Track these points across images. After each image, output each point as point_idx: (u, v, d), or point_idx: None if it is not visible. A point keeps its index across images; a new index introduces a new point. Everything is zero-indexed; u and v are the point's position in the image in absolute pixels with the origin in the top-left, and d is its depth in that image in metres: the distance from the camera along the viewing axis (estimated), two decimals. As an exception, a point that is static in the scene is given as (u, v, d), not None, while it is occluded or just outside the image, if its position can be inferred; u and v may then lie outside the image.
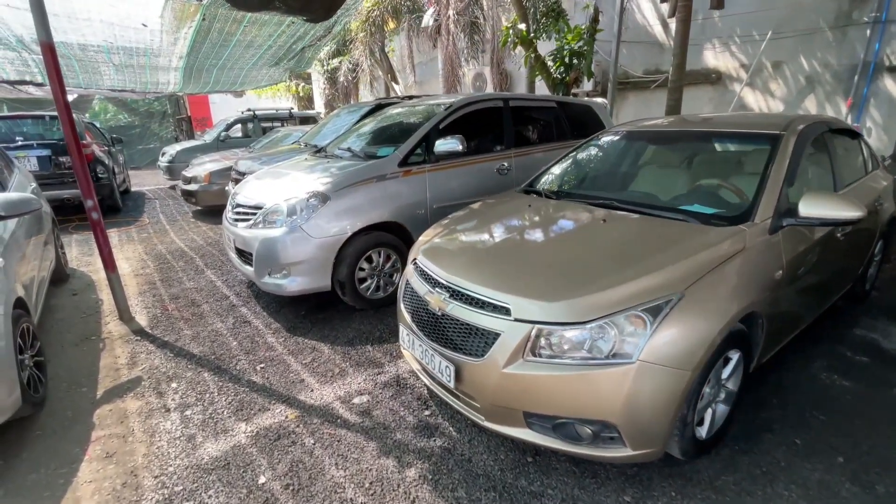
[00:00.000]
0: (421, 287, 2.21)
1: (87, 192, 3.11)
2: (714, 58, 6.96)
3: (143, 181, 12.33)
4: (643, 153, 3.16)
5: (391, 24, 11.20)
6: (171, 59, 9.82)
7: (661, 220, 2.26)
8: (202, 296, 3.99)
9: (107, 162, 7.77)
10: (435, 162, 3.76)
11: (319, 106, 16.37)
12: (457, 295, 1.97)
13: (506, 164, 4.26)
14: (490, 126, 4.32)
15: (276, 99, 16.25)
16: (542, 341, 1.71)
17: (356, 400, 2.47)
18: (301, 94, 14.72)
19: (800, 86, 6.39)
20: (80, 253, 5.47)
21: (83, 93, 16.97)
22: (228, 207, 3.81)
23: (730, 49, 6.76)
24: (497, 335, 1.77)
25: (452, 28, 8.39)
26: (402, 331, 2.33)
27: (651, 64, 7.56)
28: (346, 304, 3.47)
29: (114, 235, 6.34)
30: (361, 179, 3.38)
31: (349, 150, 4.10)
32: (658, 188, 2.74)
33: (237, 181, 5.74)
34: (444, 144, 3.64)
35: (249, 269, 3.35)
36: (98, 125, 16.72)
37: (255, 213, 3.35)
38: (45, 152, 6.80)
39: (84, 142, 7.23)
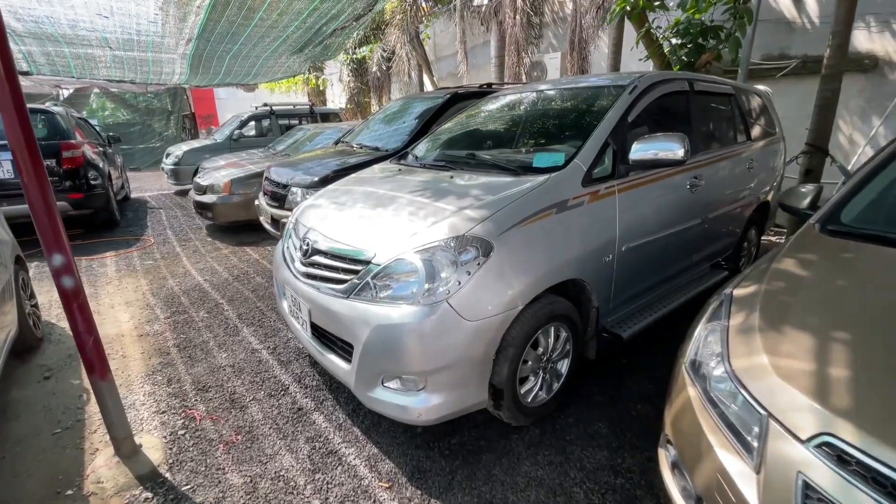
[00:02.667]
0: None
1: (53, 241, 1.65)
2: (868, 40, 5.56)
3: (145, 185, 10.89)
4: None
5: (426, 7, 9.76)
6: (178, 44, 8.38)
7: None
8: (246, 384, 2.56)
9: (101, 165, 6.34)
10: (624, 176, 2.33)
11: (338, 101, 14.87)
12: None
13: (696, 175, 2.84)
14: (676, 120, 2.89)
15: (291, 94, 14.81)
16: None
17: None
18: (321, 88, 13.28)
19: None
20: (63, 293, 4.03)
21: (79, 86, 15.54)
22: (291, 249, 2.37)
23: (892, 29, 5.37)
24: None
25: (521, 4, 6.92)
26: None
27: (774, 47, 6.17)
28: (497, 417, 2.05)
29: (110, 262, 4.90)
30: (537, 211, 1.94)
31: (472, 157, 2.65)
32: None
33: (274, 196, 4.31)
34: (649, 147, 2.22)
35: (342, 368, 1.91)
36: (96, 123, 15.31)
37: (354, 270, 1.90)
38: (23, 155, 5.35)
39: (74, 142, 5.80)
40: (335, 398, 2.40)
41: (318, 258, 2.08)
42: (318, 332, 2.07)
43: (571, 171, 2.13)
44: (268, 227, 4.43)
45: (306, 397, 2.42)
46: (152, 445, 2.08)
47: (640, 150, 2.23)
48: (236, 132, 9.80)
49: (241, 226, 5.92)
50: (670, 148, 2.18)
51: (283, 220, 4.03)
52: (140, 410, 2.36)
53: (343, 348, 1.92)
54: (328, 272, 2.00)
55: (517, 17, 7.09)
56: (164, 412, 2.33)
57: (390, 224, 2.00)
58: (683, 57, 4.96)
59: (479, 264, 1.73)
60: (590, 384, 2.48)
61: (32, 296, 3.16)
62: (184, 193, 9.28)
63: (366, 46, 11.29)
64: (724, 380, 1.31)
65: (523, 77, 8.50)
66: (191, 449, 2.07)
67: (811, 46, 5.99)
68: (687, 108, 2.90)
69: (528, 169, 2.26)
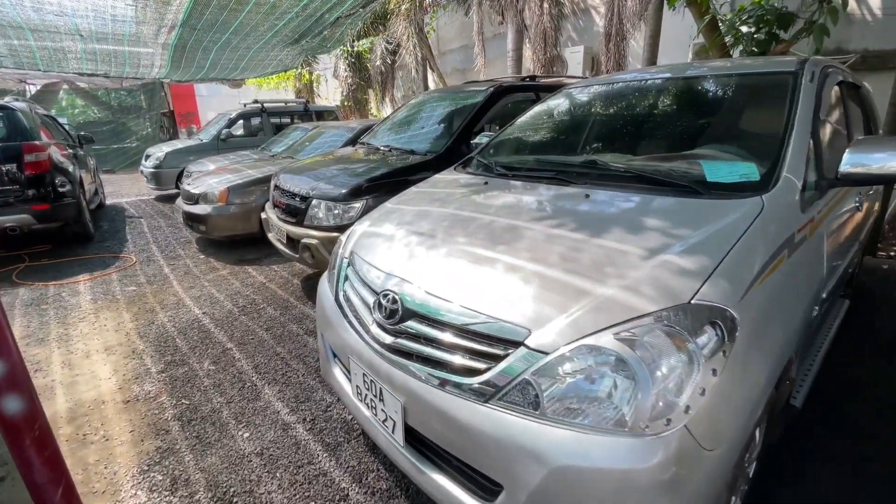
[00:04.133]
0: None
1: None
2: (938, 29, 5.11)
3: (120, 189, 9.89)
4: None
5: (431, -2, 9.02)
6: (160, 33, 7.50)
7: None
8: (286, 488, 1.81)
9: (71, 169, 5.44)
10: (824, 194, 1.68)
11: (332, 99, 14.01)
12: None
13: (861, 189, 2.21)
14: (837, 119, 2.25)
15: (279, 91, 13.85)
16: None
17: None
18: (315, 84, 12.36)
19: None
20: (23, 335, 3.20)
21: (48, 82, 14.29)
22: (356, 303, 1.64)
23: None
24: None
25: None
26: None
27: (830, 41, 5.69)
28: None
29: (84, 289, 4.05)
30: (772, 255, 1.26)
31: (592, 165, 1.94)
32: None
33: (289, 209, 3.54)
34: (874, 157, 1.56)
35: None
36: (66, 121, 14.06)
37: (492, 354, 1.17)
38: (-27, 159, 4.47)
39: (39, 143, 4.91)
40: (420, 513, 1.68)
41: (415, 325, 1.36)
42: (420, 442, 1.35)
43: (786, 189, 1.45)
44: (281, 247, 3.66)
45: (378, 512, 1.69)
46: None
47: (858, 161, 1.57)
48: (224, 131, 8.88)
49: (240, 241, 5.12)
50: (905, 157, 1.53)
51: (304, 239, 3.28)
52: (134, 543, 1.60)
53: (474, 479, 1.21)
54: (441, 352, 1.28)
55: (545, 5, 6.41)
56: (171, 548, 1.58)
57: (537, 275, 1.28)
58: (754, 48, 4.36)
59: (724, 353, 1.04)
60: (762, 474, 1.82)
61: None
62: (166, 199, 8.38)
63: (366, 39, 10.48)
64: None
65: (539, 71, 7.85)
66: None
67: (872, 40, 5.50)
68: (843, 103, 2.27)
69: (702, 184, 1.57)
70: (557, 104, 2.62)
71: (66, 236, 5.39)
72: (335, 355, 1.81)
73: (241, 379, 2.59)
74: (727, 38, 4.68)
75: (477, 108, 3.78)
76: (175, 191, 8.33)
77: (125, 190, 9.82)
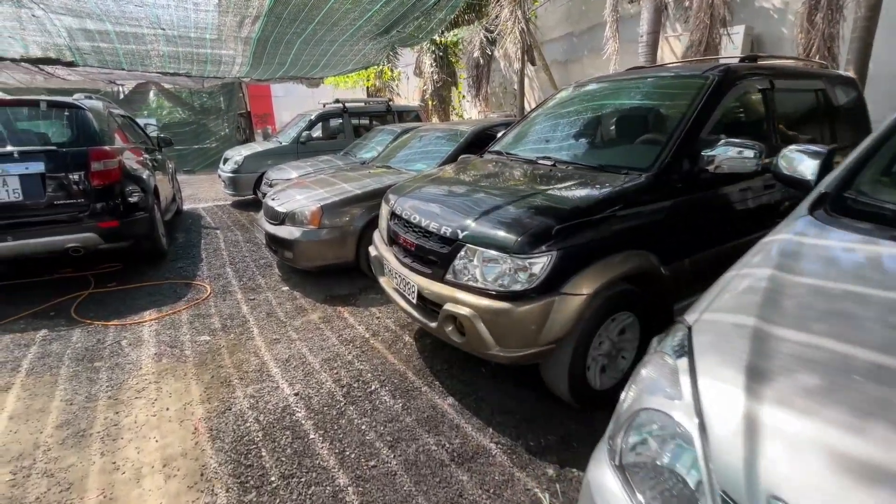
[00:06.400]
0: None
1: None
2: None
3: (198, 192, 9.46)
4: None
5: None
6: (243, 24, 6.75)
7: None
8: None
9: (145, 177, 4.73)
10: None
11: (410, 98, 13.11)
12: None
13: None
14: None
15: (355, 91, 13.13)
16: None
17: None
18: (396, 82, 11.40)
19: None
20: (62, 421, 2.31)
21: (138, 83, 14.50)
22: None
23: None
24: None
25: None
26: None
27: None
28: None
29: (148, 334, 3.18)
30: None
31: None
32: None
33: (417, 253, 2.41)
34: None
35: None
36: (154, 122, 14.09)
37: None
38: (37, 167, 3.77)
39: (108, 148, 4.18)
40: None
41: None
42: None
43: None
44: (403, 304, 2.53)
45: None
46: None
47: None
48: (304, 133, 8.11)
49: (335, 272, 4.14)
50: None
51: (448, 305, 2.14)
52: None
53: None
54: None
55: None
56: None
57: None
58: None
59: None
60: None
61: None
62: (243, 206, 7.75)
63: (457, 29, 9.37)
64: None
65: (680, 56, 6.31)
66: None
67: None
68: None
69: None
70: None
71: (137, 253, 4.69)
72: None
73: (373, 579, 1.47)
74: None
75: (701, 103, 2.47)
76: (252, 196, 7.69)
77: (202, 193, 9.38)
